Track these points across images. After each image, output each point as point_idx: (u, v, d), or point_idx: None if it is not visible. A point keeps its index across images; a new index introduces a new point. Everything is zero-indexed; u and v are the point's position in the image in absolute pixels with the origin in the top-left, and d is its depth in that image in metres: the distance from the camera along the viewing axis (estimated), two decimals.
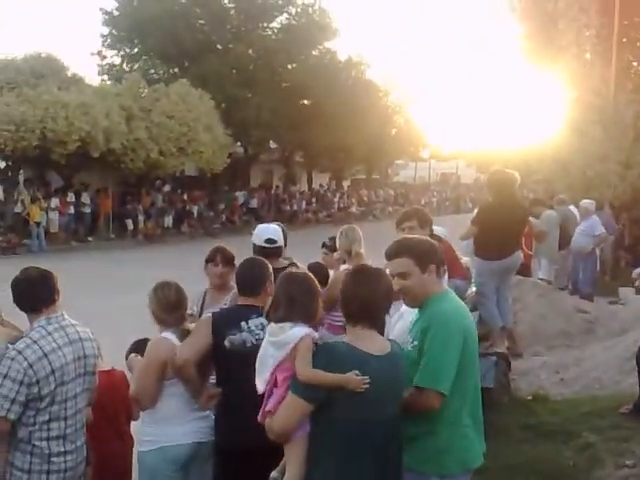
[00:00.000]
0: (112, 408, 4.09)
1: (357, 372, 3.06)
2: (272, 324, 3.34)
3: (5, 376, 3.62)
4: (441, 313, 3.40)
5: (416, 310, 3.61)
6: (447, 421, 3.37)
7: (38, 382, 3.67)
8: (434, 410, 3.29)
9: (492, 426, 6.04)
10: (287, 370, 3.21)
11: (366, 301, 3.21)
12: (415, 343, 3.41)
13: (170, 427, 4.12)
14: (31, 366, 3.65)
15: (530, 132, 26.36)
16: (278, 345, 3.26)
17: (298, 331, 3.23)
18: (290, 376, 3.19)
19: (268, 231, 5.30)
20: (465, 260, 8.06)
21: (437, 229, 7.71)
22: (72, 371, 3.82)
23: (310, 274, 3.56)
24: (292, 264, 5.24)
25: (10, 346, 3.76)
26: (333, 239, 6.17)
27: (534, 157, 22.06)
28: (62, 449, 3.79)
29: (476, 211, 8.60)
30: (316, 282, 3.48)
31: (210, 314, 4.31)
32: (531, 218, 10.35)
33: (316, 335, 3.31)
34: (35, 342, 3.71)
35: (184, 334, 4.13)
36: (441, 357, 3.29)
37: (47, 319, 3.82)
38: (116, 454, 4.27)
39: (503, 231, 7.73)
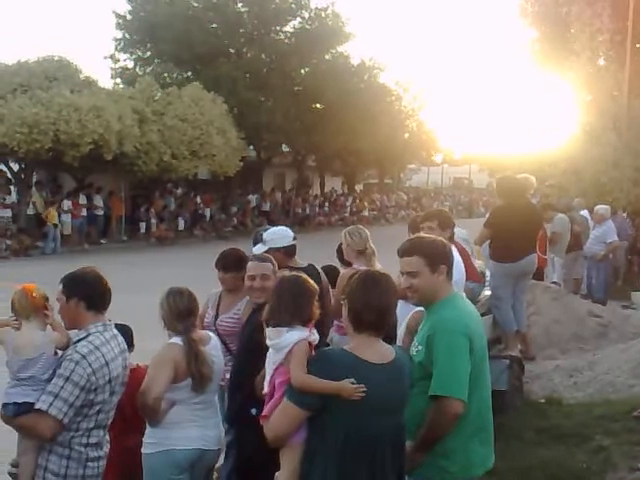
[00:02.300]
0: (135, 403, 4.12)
1: (352, 380, 3.03)
2: (270, 328, 3.34)
3: (67, 379, 3.53)
4: (445, 320, 3.37)
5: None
6: None
7: (96, 389, 3.60)
8: (459, 416, 3.26)
9: (505, 429, 6.10)
10: (284, 374, 3.23)
11: (377, 309, 3.16)
12: (420, 348, 3.40)
13: (175, 431, 4.14)
14: (94, 373, 3.57)
15: (543, 137, 26.35)
16: (276, 348, 3.28)
17: (294, 335, 3.24)
18: (286, 381, 3.20)
19: (287, 230, 5.37)
20: (479, 263, 8.10)
21: (460, 231, 7.83)
22: (120, 381, 3.80)
23: (304, 276, 3.53)
24: (311, 265, 5.27)
25: (60, 352, 3.69)
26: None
27: (547, 162, 22.03)
28: (96, 454, 3.72)
29: (488, 215, 8.64)
30: (310, 284, 3.46)
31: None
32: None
33: (314, 338, 3.32)
34: (97, 348, 3.63)
35: (191, 342, 4.15)
36: (451, 364, 3.27)
37: (104, 325, 3.76)
38: (138, 447, 4.29)
39: (516, 234, 7.74)
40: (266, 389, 3.34)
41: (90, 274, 3.83)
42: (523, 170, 13.25)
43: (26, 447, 3.66)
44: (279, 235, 5.29)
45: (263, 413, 3.26)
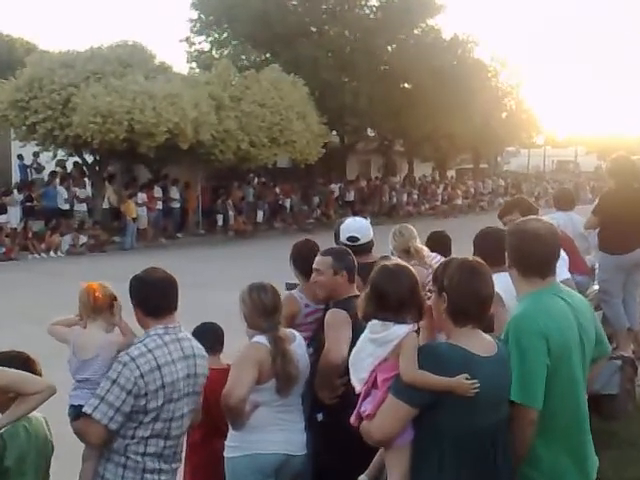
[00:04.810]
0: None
1: (466, 375, 3.02)
2: (374, 321, 3.30)
3: (114, 382, 3.59)
4: (518, 317, 3.33)
5: None
6: None
7: (146, 395, 3.62)
8: (534, 423, 3.22)
9: (617, 436, 6.04)
10: (389, 370, 3.18)
11: (483, 300, 3.19)
12: None
13: (258, 435, 4.20)
14: (142, 376, 3.60)
15: None
16: (380, 342, 3.23)
17: (402, 328, 3.21)
18: (392, 377, 3.16)
19: (350, 228, 5.37)
20: (589, 258, 7.97)
21: (580, 220, 7.77)
22: (182, 389, 3.77)
23: (408, 266, 3.50)
24: (384, 257, 5.27)
25: (121, 353, 3.74)
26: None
27: None
28: (157, 466, 3.75)
29: (597, 200, 8.47)
30: (415, 274, 3.42)
31: (340, 310, 4.43)
32: None
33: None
34: (150, 351, 3.67)
35: (277, 341, 4.18)
36: (521, 368, 3.21)
37: (165, 328, 3.77)
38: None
39: (629, 222, 7.56)
40: (359, 387, 3.29)
41: (150, 278, 3.85)
42: (635, 152, 12.89)
43: (88, 454, 3.78)
44: (342, 227, 5.38)
45: (367, 412, 3.21)
